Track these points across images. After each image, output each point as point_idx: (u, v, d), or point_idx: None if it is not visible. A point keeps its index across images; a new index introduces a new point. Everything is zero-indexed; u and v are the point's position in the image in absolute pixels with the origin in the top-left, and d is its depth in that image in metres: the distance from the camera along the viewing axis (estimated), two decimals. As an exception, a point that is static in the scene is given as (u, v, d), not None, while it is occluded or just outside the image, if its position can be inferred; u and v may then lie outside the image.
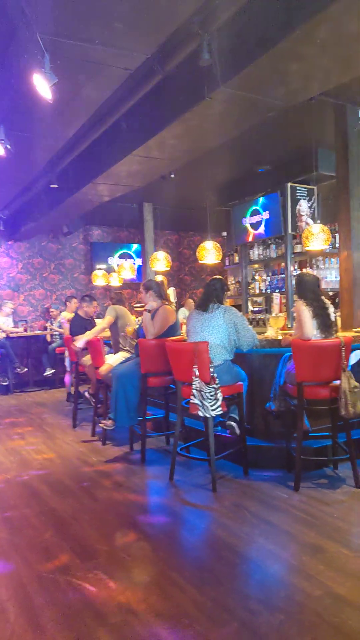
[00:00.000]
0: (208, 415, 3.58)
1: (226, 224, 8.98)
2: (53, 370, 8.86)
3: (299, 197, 7.04)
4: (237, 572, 2.51)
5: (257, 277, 8.16)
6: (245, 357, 4.26)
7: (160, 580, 2.46)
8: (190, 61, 3.71)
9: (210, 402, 3.58)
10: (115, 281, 9.56)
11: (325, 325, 3.69)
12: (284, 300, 7.42)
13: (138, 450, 4.58)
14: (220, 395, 3.61)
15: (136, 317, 6.36)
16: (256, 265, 8.46)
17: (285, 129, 5.81)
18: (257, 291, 8.10)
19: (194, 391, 3.62)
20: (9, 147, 4.47)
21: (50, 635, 2.08)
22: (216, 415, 3.61)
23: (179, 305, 9.84)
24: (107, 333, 5.69)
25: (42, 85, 3.26)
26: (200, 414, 3.60)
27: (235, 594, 2.31)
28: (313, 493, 3.45)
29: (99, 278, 9.27)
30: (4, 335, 8.69)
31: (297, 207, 7.06)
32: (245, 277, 8.32)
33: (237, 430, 3.87)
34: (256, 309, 8.33)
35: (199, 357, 3.63)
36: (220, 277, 4.17)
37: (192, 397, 3.62)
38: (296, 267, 7.57)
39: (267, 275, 7.94)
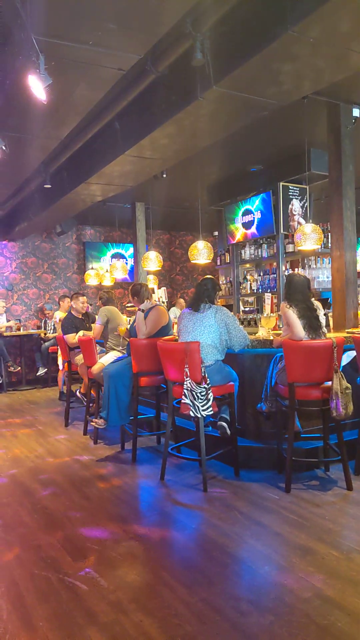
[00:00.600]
0: (199, 415, 3.59)
1: (218, 223, 8.99)
2: (45, 370, 8.84)
3: (291, 196, 7.06)
4: (228, 573, 2.52)
5: (248, 277, 8.17)
6: (237, 357, 4.27)
7: (151, 579, 2.47)
8: (183, 61, 3.70)
9: (201, 402, 3.58)
10: (107, 281, 9.55)
11: (312, 327, 3.70)
12: (275, 301, 7.44)
13: (129, 449, 4.58)
14: (211, 396, 3.62)
15: (128, 317, 6.36)
16: (248, 265, 8.47)
17: (277, 128, 5.81)
18: (249, 291, 8.12)
19: (185, 391, 3.62)
20: (3, 147, 4.44)
21: (42, 633, 2.09)
22: (207, 415, 3.62)
23: (170, 304, 9.85)
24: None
25: (37, 87, 3.24)
26: (192, 414, 3.60)
27: (226, 594, 2.32)
28: (304, 494, 3.47)
29: (92, 277, 9.25)
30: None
31: (289, 206, 7.07)
32: (237, 277, 8.33)
33: (228, 431, 3.88)
34: (247, 309, 8.35)
35: (190, 357, 3.63)
36: (211, 276, 4.18)
37: (183, 397, 3.63)
38: (288, 267, 7.59)
39: (259, 275, 7.95)
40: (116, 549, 2.80)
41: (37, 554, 2.78)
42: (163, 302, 6.88)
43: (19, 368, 8.80)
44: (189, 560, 2.69)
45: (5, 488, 3.86)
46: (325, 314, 4.11)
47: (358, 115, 5.20)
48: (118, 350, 5.40)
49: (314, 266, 7.20)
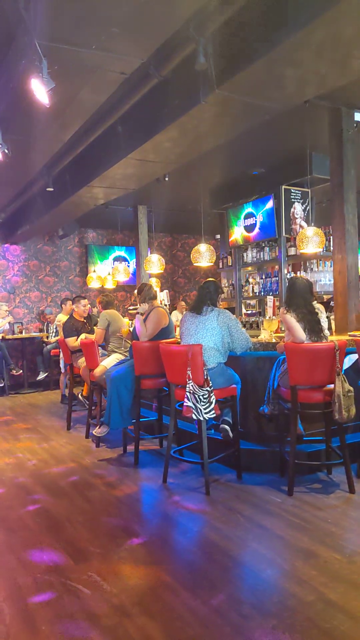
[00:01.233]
0: (201, 418, 3.59)
1: (220, 226, 9.00)
2: (46, 374, 8.86)
3: (293, 199, 7.07)
4: (230, 576, 2.52)
5: (250, 280, 8.18)
6: (239, 360, 4.27)
7: (154, 583, 2.46)
8: (186, 65, 3.72)
9: (203, 405, 3.58)
10: (109, 284, 9.57)
11: (313, 330, 3.70)
12: (277, 303, 7.44)
13: (131, 452, 4.58)
14: (213, 398, 3.62)
15: (130, 320, 6.36)
16: (250, 268, 8.47)
17: (280, 132, 5.82)
18: (251, 294, 8.12)
19: (187, 394, 3.62)
20: (6, 151, 4.46)
21: (45, 637, 2.08)
22: (209, 418, 3.61)
23: (172, 307, 9.86)
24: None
25: (40, 90, 3.26)
26: (194, 416, 3.60)
27: (228, 598, 2.31)
28: (306, 498, 3.46)
29: (94, 280, 9.28)
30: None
31: (291, 210, 7.08)
32: (239, 280, 8.33)
33: (231, 434, 3.88)
34: (250, 312, 8.35)
35: (193, 359, 3.64)
36: (213, 279, 4.19)
37: (185, 400, 3.63)
38: (290, 270, 7.59)
39: (261, 278, 7.96)
40: (118, 553, 2.80)
41: (39, 558, 2.78)
42: (165, 305, 6.88)
43: (21, 371, 8.81)
44: (192, 563, 2.69)
45: (8, 491, 3.86)
46: (327, 317, 4.11)
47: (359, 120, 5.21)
48: (120, 353, 5.41)
49: (316, 269, 7.21)
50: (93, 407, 5.48)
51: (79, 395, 6.14)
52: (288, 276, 7.27)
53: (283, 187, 6.95)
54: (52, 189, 6.38)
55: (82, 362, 5.69)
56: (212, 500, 3.48)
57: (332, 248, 5.36)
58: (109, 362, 5.16)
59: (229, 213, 8.14)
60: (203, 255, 6.62)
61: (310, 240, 5.13)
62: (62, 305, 8.48)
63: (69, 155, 5.56)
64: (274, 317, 6.72)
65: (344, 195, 5.10)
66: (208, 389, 3.62)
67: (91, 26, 3.02)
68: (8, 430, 5.92)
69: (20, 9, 3.00)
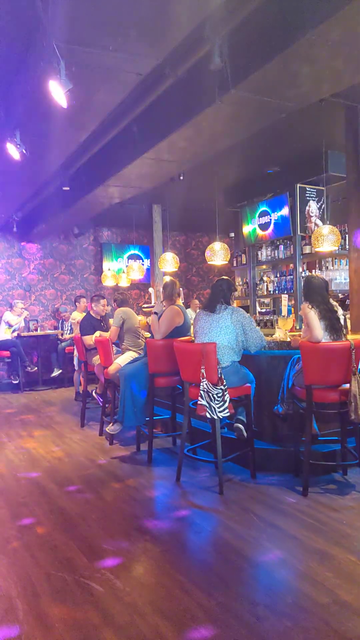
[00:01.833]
0: (215, 417, 3.59)
1: (234, 224, 8.97)
2: (60, 371, 8.94)
3: (308, 198, 7.01)
4: (244, 577, 2.52)
5: (265, 278, 8.14)
6: (253, 358, 4.26)
7: (167, 582, 2.48)
8: (201, 65, 3.71)
9: (217, 404, 3.59)
10: (124, 282, 9.60)
11: (334, 328, 3.67)
12: (292, 302, 7.40)
13: (145, 450, 4.60)
14: (227, 397, 3.62)
15: (145, 317, 6.39)
16: (264, 267, 8.43)
17: (295, 131, 5.78)
18: (265, 292, 8.08)
19: (201, 392, 3.63)
20: (24, 151, 4.51)
21: (58, 634, 2.11)
22: (223, 417, 3.62)
23: (186, 305, 9.85)
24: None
25: (58, 92, 3.29)
26: (208, 415, 3.61)
27: (242, 598, 2.32)
28: (321, 498, 3.45)
29: (109, 279, 9.32)
30: (15, 334, 8.77)
31: (307, 208, 7.03)
32: (253, 278, 8.30)
33: (245, 433, 3.88)
34: (264, 310, 8.31)
35: (207, 358, 3.64)
36: (226, 277, 4.18)
37: (199, 398, 3.64)
38: (305, 268, 7.54)
39: (275, 277, 7.91)
40: (132, 551, 2.82)
41: (53, 554, 2.81)
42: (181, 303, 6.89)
43: (36, 368, 8.90)
44: (205, 563, 2.69)
45: (22, 488, 3.91)
46: (343, 315, 4.08)
47: (377, 117, 5.14)
48: (134, 351, 5.43)
49: (332, 267, 7.15)
50: (107, 405, 5.52)
51: (93, 393, 6.18)
52: (303, 274, 7.22)
53: (298, 185, 6.90)
54: (68, 188, 6.42)
55: (96, 359, 5.73)
56: (226, 500, 3.48)
57: (347, 246, 5.31)
58: (123, 359, 5.19)
59: (245, 211, 8.10)
60: (217, 254, 6.61)
61: (326, 238, 5.10)
62: (77, 303, 8.55)
63: (85, 155, 5.60)
64: (288, 315, 6.69)
65: (360, 193, 5.04)
66: (222, 387, 3.62)
67: (108, 28, 3.03)
68: (22, 427, 5.99)
69: (39, 11, 3.03)
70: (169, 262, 7.60)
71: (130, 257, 10.65)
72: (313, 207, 7.08)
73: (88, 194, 6.59)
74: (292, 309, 7.17)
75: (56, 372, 8.94)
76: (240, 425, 3.91)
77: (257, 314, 8.05)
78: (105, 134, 5.00)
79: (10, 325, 8.68)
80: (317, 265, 7.46)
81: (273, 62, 3.39)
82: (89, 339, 5.95)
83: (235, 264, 8.90)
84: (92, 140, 5.17)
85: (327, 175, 6.30)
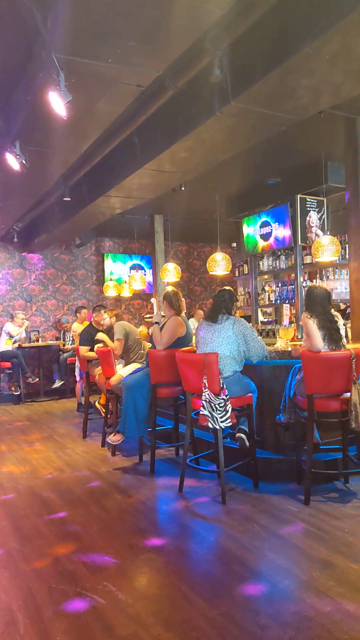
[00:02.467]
0: (217, 427, 3.58)
1: (236, 235, 9.02)
2: (62, 382, 8.93)
3: (308, 208, 7.06)
4: (247, 586, 2.50)
5: (266, 288, 8.17)
6: (255, 368, 4.26)
7: (170, 592, 2.46)
8: (202, 77, 3.77)
9: (219, 414, 3.58)
10: (126, 292, 9.64)
11: (332, 338, 3.68)
12: (293, 311, 7.41)
13: (147, 461, 4.59)
14: (229, 407, 3.61)
15: (146, 328, 6.40)
16: (266, 276, 8.46)
17: (295, 142, 5.84)
18: (267, 302, 8.10)
19: (203, 402, 3.63)
20: (24, 162, 4.55)
21: (60, 647, 2.09)
22: (225, 427, 3.61)
23: (189, 315, 9.88)
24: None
25: (57, 103, 3.34)
26: (210, 425, 3.60)
27: (245, 608, 2.30)
28: (323, 507, 3.43)
29: (111, 289, 9.36)
30: (16, 345, 8.78)
31: (307, 218, 7.07)
32: (255, 288, 8.33)
33: (247, 442, 3.87)
34: (266, 320, 8.33)
35: (209, 368, 3.64)
36: (228, 288, 4.20)
37: (201, 409, 3.63)
38: (306, 278, 7.56)
39: (277, 286, 7.94)
40: (134, 562, 2.80)
41: (54, 567, 2.79)
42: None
43: (37, 379, 8.90)
44: (208, 573, 2.67)
45: (24, 500, 3.89)
46: (344, 325, 4.09)
47: (375, 128, 5.19)
48: (138, 362, 5.43)
49: (332, 277, 7.17)
50: (109, 416, 5.51)
51: (95, 404, 6.18)
52: (304, 284, 7.24)
53: (299, 196, 6.95)
54: (69, 199, 6.48)
55: (98, 370, 5.73)
56: (229, 510, 3.46)
57: (347, 256, 5.33)
58: (126, 370, 5.19)
59: (246, 221, 8.15)
60: (219, 264, 6.64)
61: (326, 248, 5.12)
62: (77, 314, 8.57)
63: (86, 166, 5.66)
64: (290, 325, 6.70)
65: (360, 203, 5.08)
66: (224, 397, 3.62)
67: (108, 40, 3.07)
68: (24, 438, 5.98)
69: (38, 22, 3.08)
70: (170, 273, 7.63)
71: (133, 267, 10.70)
72: (314, 217, 7.13)
73: (89, 205, 6.65)
74: (294, 318, 7.18)
75: (58, 383, 8.94)
76: (243, 435, 3.90)
77: (259, 324, 8.06)
78: (106, 145, 5.06)
79: (11, 336, 8.69)
80: (317, 275, 7.49)
81: (272, 75, 3.44)
82: (84, 351, 5.96)
83: (237, 274, 8.94)
84: (92, 150, 5.23)
85: (327, 186, 6.35)
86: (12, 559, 2.91)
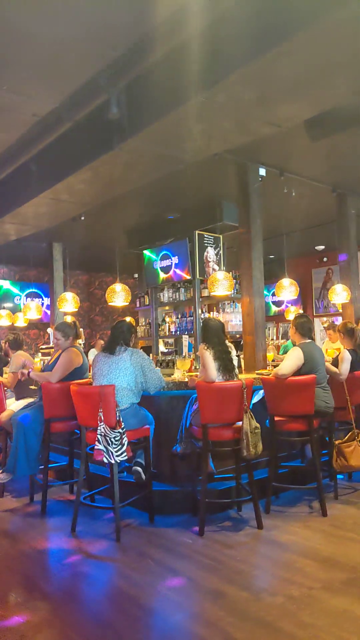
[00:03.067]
0: (112, 461, 3.51)
1: (138, 266, 9.15)
2: None
3: (206, 244, 7.39)
4: (139, 626, 2.44)
5: (167, 319, 8.33)
6: (153, 399, 4.28)
7: (56, 643, 2.31)
8: (100, 112, 3.85)
9: (115, 448, 3.52)
10: (20, 321, 9.24)
11: (226, 369, 3.83)
12: (192, 343, 7.62)
13: (39, 500, 4.33)
14: (125, 440, 3.57)
15: (41, 359, 6.15)
16: (167, 308, 8.64)
17: (192, 181, 6.14)
18: (167, 333, 8.25)
19: (98, 436, 3.54)
20: None
21: None
22: (121, 460, 3.55)
23: (89, 346, 9.71)
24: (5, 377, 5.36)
25: None
26: (105, 460, 3.52)
27: (135, 650, 2.23)
28: (217, 536, 3.48)
29: (4, 318, 8.91)
30: None
31: (205, 253, 7.39)
32: (156, 319, 8.45)
33: (143, 476, 3.82)
34: (167, 350, 8.45)
35: (105, 400, 3.59)
36: (127, 319, 4.22)
37: (96, 443, 3.55)
38: (205, 310, 7.85)
39: (177, 318, 8.13)
40: (20, 612, 2.60)
41: None
42: (80, 344, 6.76)
43: None
44: (99, 616, 2.56)
45: None
46: (237, 356, 4.28)
47: (264, 174, 5.65)
48: (31, 397, 5.17)
49: (228, 310, 7.52)
50: (-1, 454, 5.15)
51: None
52: (202, 316, 7.50)
53: (197, 232, 7.26)
54: None
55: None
56: (123, 547, 3.38)
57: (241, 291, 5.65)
58: (17, 405, 4.92)
59: (147, 253, 8.30)
60: (118, 295, 6.67)
61: (220, 283, 5.38)
62: None
63: (-21, 191, 5.45)
64: (188, 356, 6.85)
65: (251, 242, 5.44)
66: (120, 430, 3.57)
67: (2, 68, 3.04)
68: None
69: None
70: (69, 302, 7.48)
71: (29, 296, 10.32)
72: (211, 253, 7.47)
73: (-18, 231, 6.38)
74: (193, 349, 7.38)
75: None
76: (139, 468, 3.85)
77: (160, 354, 8.16)
78: (1, 171, 4.92)
79: None
80: (215, 308, 7.81)
81: (168, 117, 3.63)
82: None
83: (139, 305, 9.01)
84: (-14, 176, 5.06)
85: (222, 224, 6.72)
86: None
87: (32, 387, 5.16)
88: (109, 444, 3.52)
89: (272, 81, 3.23)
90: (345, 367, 4.33)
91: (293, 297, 6.25)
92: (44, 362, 5.48)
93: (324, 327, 10.14)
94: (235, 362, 3.99)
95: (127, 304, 7.06)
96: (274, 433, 4.05)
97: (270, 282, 7.52)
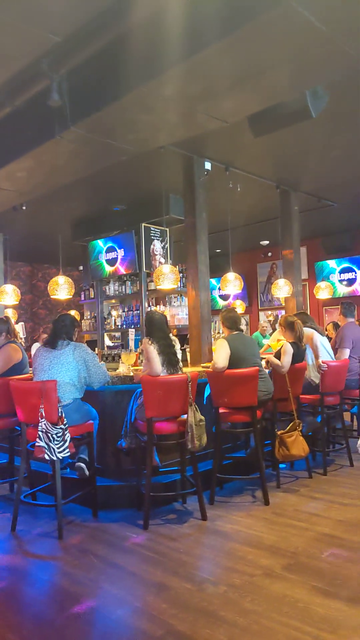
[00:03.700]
0: (54, 458, 3.43)
1: (83, 258, 8.97)
2: None
3: (152, 237, 7.36)
4: (80, 624, 2.40)
5: (113, 313, 8.23)
6: (97, 394, 4.22)
7: (-6, 647, 2.24)
8: (41, 98, 3.71)
9: (57, 444, 3.44)
10: None
11: (170, 363, 3.84)
12: (140, 336, 7.58)
13: (-22, 501, 4.18)
14: (68, 436, 3.50)
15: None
16: (113, 301, 8.54)
17: (138, 173, 6.07)
18: (113, 326, 8.16)
19: (39, 433, 3.45)
20: None
21: None
22: (64, 457, 3.48)
23: (32, 340, 9.44)
24: None
25: None
26: (47, 457, 3.43)
27: (76, 648, 2.19)
28: (161, 529, 3.49)
29: None
30: None
31: (151, 246, 7.36)
32: (101, 313, 8.33)
33: (87, 472, 3.77)
34: (113, 344, 8.36)
35: (46, 396, 3.49)
36: (70, 312, 4.13)
37: (37, 440, 3.45)
38: (152, 303, 7.82)
39: (123, 311, 8.06)
40: None
41: None
42: (21, 338, 6.54)
43: None
44: (39, 615, 2.51)
45: None
46: (183, 349, 4.31)
47: (210, 168, 5.68)
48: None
49: (175, 304, 7.53)
50: None
51: None
52: (149, 309, 7.47)
53: (143, 224, 7.21)
54: None
55: None
56: (65, 545, 3.31)
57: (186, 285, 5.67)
58: None
59: (92, 245, 8.15)
60: (61, 287, 6.50)
61: (166, 277, 5.36)
62: None
63: None
64: (132, 350, 6.81)
65: (197, 236, 5.47)
66: (62, 426, 3.49)
67: None
68: None
69: None
70: (9, 295, 7.20)
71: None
72: (157, 246, 7.44)
73: None
74: (140, 343, 7.34)
75: None
76: (82, 464, 3.79)
77: (106, 348, 8.06)
78: None
79: None
80: (162, 301, 7.80)
81: (111, 107, 3.55)
82: None
83: (83, 298, 8.84)
84: None
85: (168, 217, 6.70)
86: None
87: None
88: (50, 441, 3.44)
89: (214, 76, 3.23)
90: (287, 360, 4.45)
91: (238, 291, 6.33)
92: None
93: (268, 320, 10.41)
94: (179, 356, 4.00)
95: (71, 297, 6.90)
96: (218, 425, 4.10)
97: (216, 275, 7.59)
